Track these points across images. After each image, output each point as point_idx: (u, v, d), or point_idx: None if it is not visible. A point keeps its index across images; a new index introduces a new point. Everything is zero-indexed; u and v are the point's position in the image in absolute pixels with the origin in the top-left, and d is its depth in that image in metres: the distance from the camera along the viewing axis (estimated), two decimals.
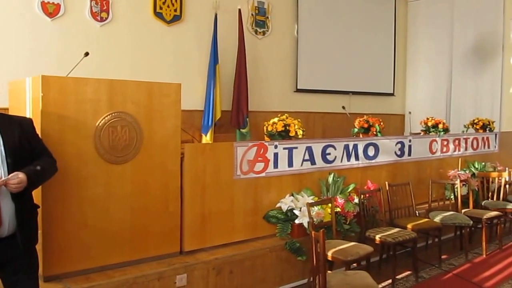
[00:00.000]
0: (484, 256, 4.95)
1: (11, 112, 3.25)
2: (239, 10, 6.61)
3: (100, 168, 3.19)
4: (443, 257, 4.77)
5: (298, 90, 7.64)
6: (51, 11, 5.27)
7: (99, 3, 5.60)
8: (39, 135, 2.64)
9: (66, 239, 3.08)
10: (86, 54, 3.93)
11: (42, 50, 5.20)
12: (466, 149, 6.33)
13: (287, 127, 4.25)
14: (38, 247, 2.60)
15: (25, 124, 2.46)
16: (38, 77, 2.96)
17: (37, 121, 2.85)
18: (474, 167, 6.21)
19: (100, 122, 3.17)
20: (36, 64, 5.03)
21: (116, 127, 3.22)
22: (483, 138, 6.64)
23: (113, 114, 3.21)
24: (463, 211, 5.23)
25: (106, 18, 5.68)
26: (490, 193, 5.87)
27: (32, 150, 2.42)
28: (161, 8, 6.13)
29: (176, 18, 6.28)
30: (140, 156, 3.35)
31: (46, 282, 3.00)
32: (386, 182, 4.86)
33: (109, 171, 3.23)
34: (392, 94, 9.12)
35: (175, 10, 6.26)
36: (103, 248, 3.23)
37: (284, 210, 4.09)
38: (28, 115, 3.10)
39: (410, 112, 7.77)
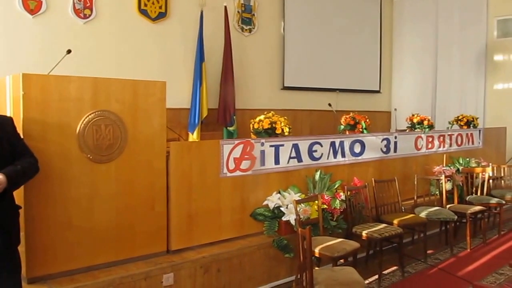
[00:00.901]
0: (469, 250, 5.02)
1: None
2: (225, 7, 6.59)
3: (84, 167, 3.15)
4: (428, 252, 4.83)
5: (285, 88, 7.66)
6: (33, 8, 5.18)
7: (82, 0, 5.52)
8: (20, 135, 2.59)
9: (50, 239, 3.04)
10: (69, 51, 3.87)
11: (24, 48, 5.12)
12: (450, 145, 6.41)
13: (274, 125, 4.24)
14: (21, 248, 2.57)
15: (5, 123, 2.41)
16: (18, 75, 2.91)
17: (18, 120, 2.80)
18: (459, 163, 6.28)
19: (84, 121, 3.12)
20: (17, 62, 4.95)
21: (100, 125, 3.18)
22: (467, 134, 6.72)
23: (96, 113, 3.17)
24: (448, 206, 5.29)
25: (90, 15, 5.60)
26: (474, 188, 5.94)
27: (13, 150, 2.38)
28: (145, 5, 6.08)
29: (161, 15, 6.23)
30: (125, 155, 3.32)
31: (30, 284, 2.96)
32: (373, 179, 4.90)
33: (93, 171, 3.19)
34: (378, 91, 9.19)
35: (160, 7, 6.21)
36: (88, 249, 3.19)
37: (271, 208, 4.09)
38: (8, 114, 3.04)
39: (395, 109, 7.84)
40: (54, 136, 3.02)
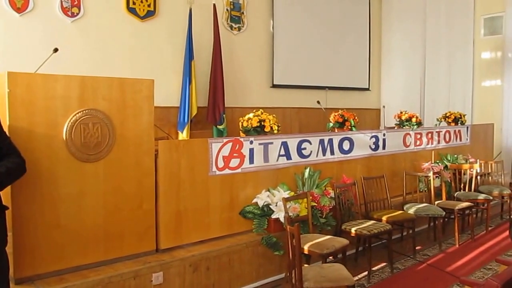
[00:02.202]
0: (457, 246, 5.07)
1: None
2: (214, 5, 6.57)
3: (72, 166, 3.13)
4: (417, 248, 4.87)
5: (275, 86, 7.66)
6: (19, 6, 5.13)
7: None
8: (7, 133, 2.57)
9: (38, 240, 3.02)
10: (55, 50, 3.84)
11: (10, 46, 5.06)
12: (439, 142, 6.47)
13: (262, 123, 4.25)
14: (9, 249, 2.55)
15: None
16: (3, 73, 2.89)
17: (4, 119, 2.78)
18: (447, 159, 6.35)
19: (71, 119, 3.10)
20: (3, 61, 4.88)
21: (87, 124, 3.17)
22: (455, 131, 6.79)
23: (84, 111, 3.15)
24: (436, 202, 5.34)
25: (77, 14, 5.56)
26: (462, 185, 6.01)
27: None
28: (134, 3, 6.04)
29: (150, 14, 6.20)
30: (113, 153, 3.30)
31: (18, 284, 2.94)
32: (361, 176, 4.93)
33: (81, 170, 3.18)
34: (367, 89, 9.24)
35: (149, 6, 6.18)
36: (76, 248, 3.18)
37: (261, 206, 4.10)
38: None
39: (384, 106, 7.90)
40: (40, 135, 3.00)
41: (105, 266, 3.25)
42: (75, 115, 3.12)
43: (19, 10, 5.13)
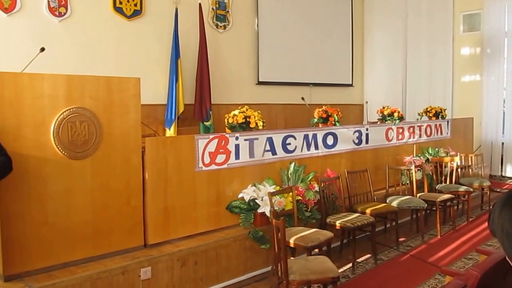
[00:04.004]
0: (439, 237, 5.18)
1: None
2: (200, 5, 6.62)
3: (60, 164, 3.17)
4: (400, 239, 4.97)
5: (260, 83, 7.73)
6: (7, 6, 5.12)
7: None
8: None
9: (26, 237, 3.04)
10: (42, 49, 3.86)
11: None
12: (420, 136, 6.60)
13: (248, 119, 4.31)
14: None
15: None
16: None
17: None
18: (428, 153, 6.48)
19: (58, 118, 3.13)
20: None
21: (74, 122, 3.20)
22: (436, 125, 6.93)
23: (71, 110, 3.19)
24: (418, 195, 5.45)
25: (65, 13, 5.56)
26: (443, 177, 6.14)
27: None
28: (121, 2, 6.06)
29: (137, 13, 6.22)
30: (100, 151, 3.34)
31: (7, 281, 2.96)
32: (345, 170, 5.01)
33: (69, 167, 3.21)
34: (350, 85, 9.36)
35: (135, 5, 6.20)
36: (65, 245, 3.21)
37: (247, 200, 4.16)
38: None
39: (367, 102, 8.01)
40: (28, 133, 3.03)
41: (93, 262, 3.28)
42: (62, 113, 3.15)
43: (7, 10, 5.11)
